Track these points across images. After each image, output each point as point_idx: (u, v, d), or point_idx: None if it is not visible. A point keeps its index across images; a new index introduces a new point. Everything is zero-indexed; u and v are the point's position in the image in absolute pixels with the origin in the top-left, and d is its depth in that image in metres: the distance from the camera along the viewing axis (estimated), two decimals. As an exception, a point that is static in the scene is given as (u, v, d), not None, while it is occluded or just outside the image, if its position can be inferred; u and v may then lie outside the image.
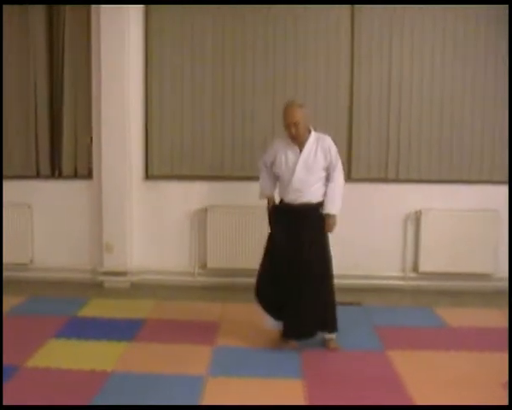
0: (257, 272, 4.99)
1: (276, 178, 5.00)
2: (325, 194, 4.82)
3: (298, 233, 4.75)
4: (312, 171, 4.74)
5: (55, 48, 6.92)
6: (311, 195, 4.77)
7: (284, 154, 4.82)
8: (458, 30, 6.60)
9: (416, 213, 6.76)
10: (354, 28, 6.63)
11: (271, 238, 4.94)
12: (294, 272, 4.77)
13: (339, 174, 4.82)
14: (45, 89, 6.91)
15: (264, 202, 5.11)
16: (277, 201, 5.02)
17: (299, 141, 4.76)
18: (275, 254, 4.85)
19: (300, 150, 4.77)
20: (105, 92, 6.67)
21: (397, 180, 6.77)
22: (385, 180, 6.77)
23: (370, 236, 6.79)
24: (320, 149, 4.74)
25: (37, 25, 6.82)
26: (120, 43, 6.63)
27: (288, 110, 4.73)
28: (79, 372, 4.36)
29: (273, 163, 4.92)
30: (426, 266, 6.74)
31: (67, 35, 6.84)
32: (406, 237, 6.84)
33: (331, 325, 4.89)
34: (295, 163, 4.75)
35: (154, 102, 6.82)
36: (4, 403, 3.80)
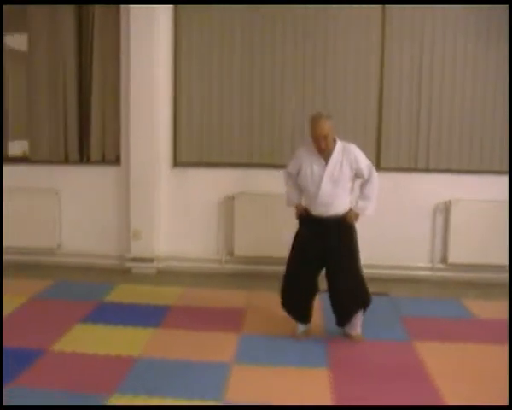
0: (283, 275, 4.92)
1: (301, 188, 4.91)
2: (362, 194, 4.76)
3: (326, 238, 4.68)
4: (338, 183, 4.64)
5: (85, 35, 6.92)
6: (339, 207, 4.68)
7: (310, 166, 4.70)
8: (492, 22, 6.47)
9: (446, 203, 6.67)
10: (385, 19, 6.54)
11: (298, 234, 4.88)
12: (321, 264, 4.76)
13: (375, 177, 4.72)
14: (74, 74, 6.91)
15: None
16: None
17: (325, 152, 4.66)
18: (302, 247, 4.79)
19: (326, 162, 4.65)
20: (134, 78, 6.67)
21: (427, 170, 6.68)
22: (415, 170, 6.69)
23: (399, 226, 6.72)
24: (346, 161, 4.62)
25: (68, 14, 6.82)
26: (150, 30, 6.63)
27: (316, 123, 4.57)
28: (105, 358, 4.39)
29: (298, 174, 4.82)
30: (455, 257, 6.66)
31: (97, 22, 6.84)
32: (435, 227, 6.77)
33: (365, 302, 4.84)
34: (321, 177, 4.64)
35: (183, 90, 6.81)
36: (29, 387, 3.85)
